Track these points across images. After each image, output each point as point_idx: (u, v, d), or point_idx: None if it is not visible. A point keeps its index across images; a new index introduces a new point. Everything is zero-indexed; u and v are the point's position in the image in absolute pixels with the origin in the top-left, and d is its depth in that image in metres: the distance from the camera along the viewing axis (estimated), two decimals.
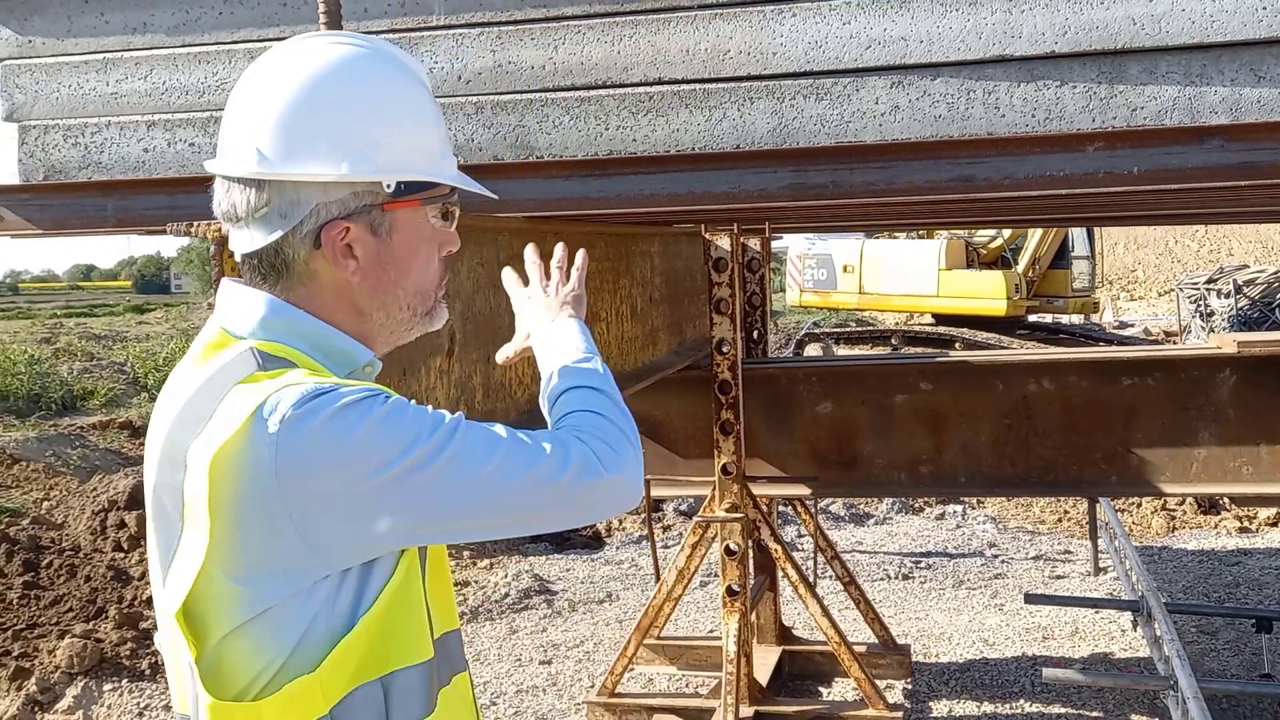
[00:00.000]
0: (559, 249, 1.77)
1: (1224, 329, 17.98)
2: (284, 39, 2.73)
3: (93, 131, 2.73)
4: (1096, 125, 2.54)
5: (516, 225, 2.84)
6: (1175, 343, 18.58)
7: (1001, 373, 4.65)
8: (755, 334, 5.47)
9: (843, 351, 16.54)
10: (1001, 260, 17.10)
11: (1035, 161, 2.58)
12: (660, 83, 2.66)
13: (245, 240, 1.33)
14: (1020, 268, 16.80)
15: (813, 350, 16.53)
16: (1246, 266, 20.17)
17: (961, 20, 2.54)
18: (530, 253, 1.78)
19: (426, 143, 1.37)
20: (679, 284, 4.83)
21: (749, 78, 2.64)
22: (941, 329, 16.57)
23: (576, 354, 1.59)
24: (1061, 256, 17.33)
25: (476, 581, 7.45)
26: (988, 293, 16.21)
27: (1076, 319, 19.30)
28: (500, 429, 1.31)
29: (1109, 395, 4.55)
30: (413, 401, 1.27)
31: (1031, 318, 17.91)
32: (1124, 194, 2.88)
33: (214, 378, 1.24)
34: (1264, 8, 2.42)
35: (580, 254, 1.79)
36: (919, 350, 15.96)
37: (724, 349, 4.62)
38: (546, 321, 1.68)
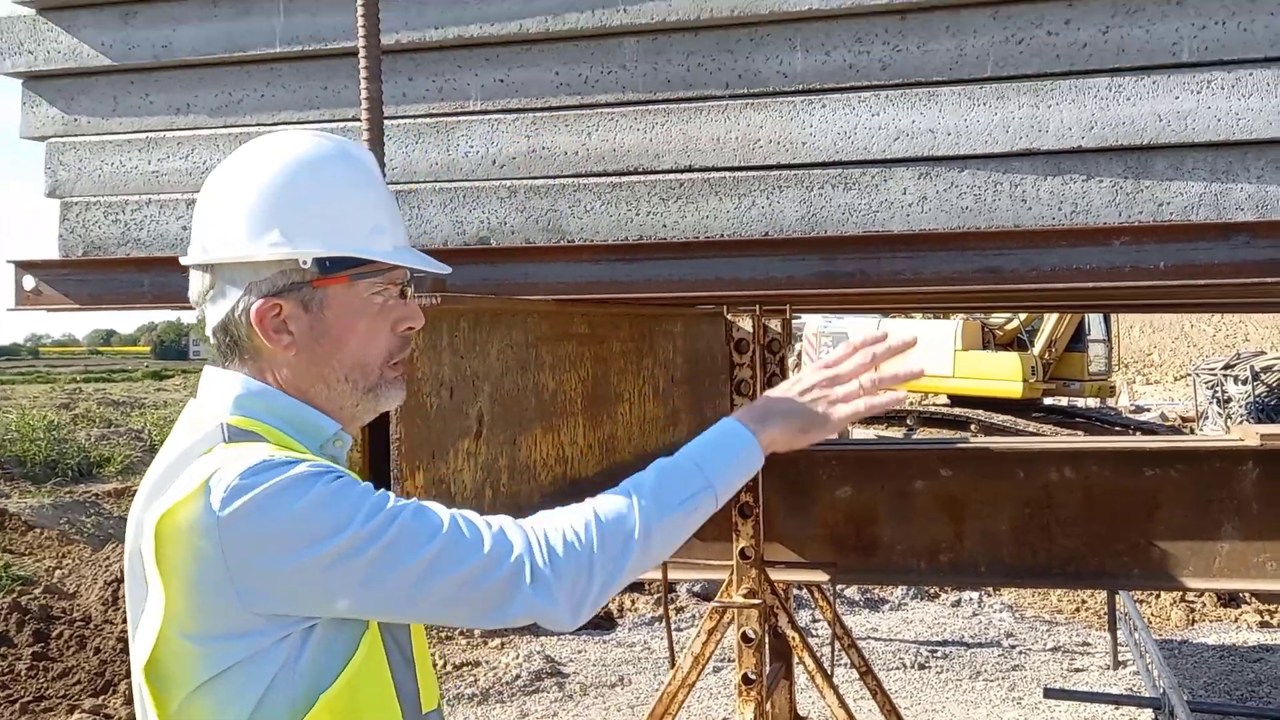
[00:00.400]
0: (905, 364, 1.56)
1: (1241, 416, 17.89)
2: (325, 120, 2.79)
3: (133, 209, 2.79)
4: (1123, 219, 2.57)
5: (545, 308, 2.87)
6: (1192, 429, 18.49)
7: (1022, 460, 4.63)
8: None
9: (857, 431, 16.47)
10: (1018, 342, 17.10)
11: (1061, 254, 2.60)
12: (691, 170, 2.70)
13: (207, 321, 1.43)
14: (1036, 350, 16.79)
15: None
16: (1264, 353, 20.13)
17: (989, 114, 2.58)
18: (870, 340, 1.57)
19: (354, 222, 1.42)
20: (700, 364, 4.85)
21: (778, 166, 2.68)
22: (957, 410, 16.52)
23: (684, 464, 1.47)
24: (1078, 339, 17.32)
25: (487, 662, 7.36)
26: (1004, 374, 16.18)
27: (1093, 402, 19.22)
28: (445, 516, 1.33)
29: (1131, 485, 4.52)
30: (363, 484, 1.31)
31: (1048, 400, 17.84)
32: (1148, 285, 2.90)
33: (185, 451, 1.32)
34: None
35: (886, 397, 1.54)
36: (934, 432, 15.90)
37: None
38: (740, 413, 1.54)
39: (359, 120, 2.30)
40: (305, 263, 1.37)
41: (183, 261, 1.45)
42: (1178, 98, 2.50)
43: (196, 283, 1.43)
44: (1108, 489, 4.52)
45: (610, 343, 3.59)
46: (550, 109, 2.72)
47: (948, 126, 2.59)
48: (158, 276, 2.68)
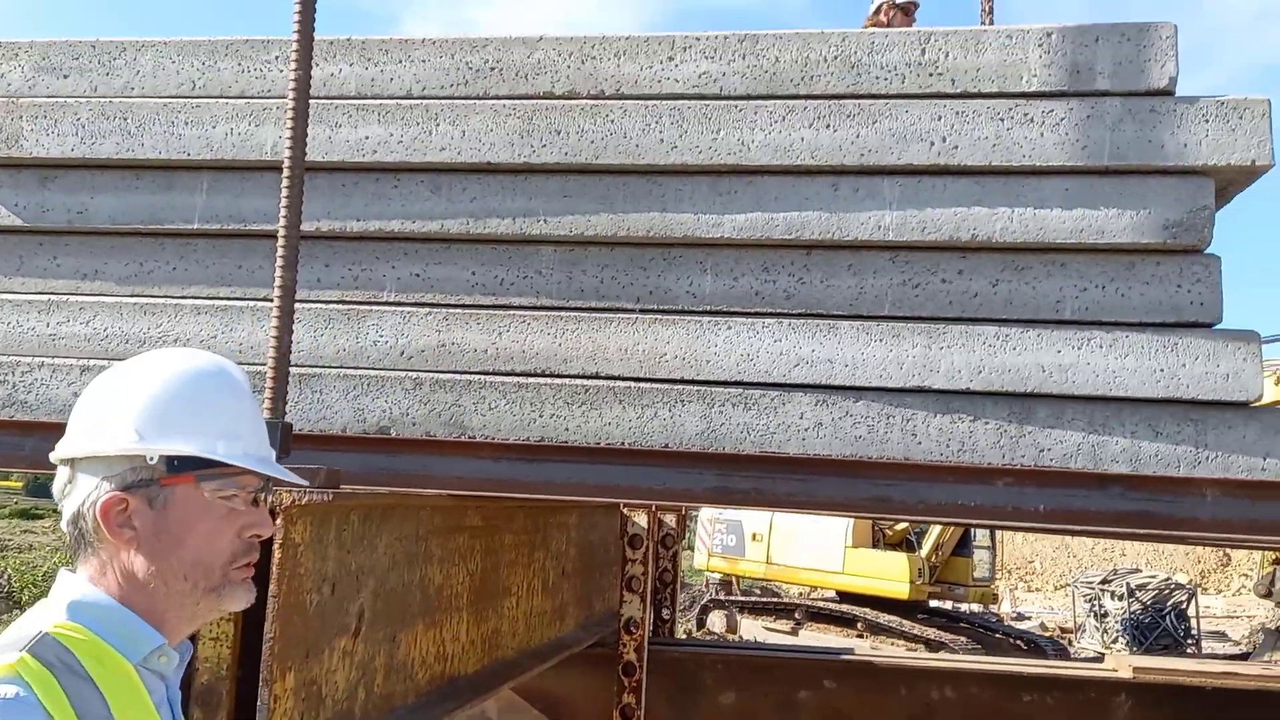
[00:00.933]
0: None
1: (1117, 631, 18.28)
2: (235, 298, 2.79)
3: (24, 370, 2.72)
4: (1006, 461, 2.66)
5: (438, 502, 2.84)
6: (1070, 640, 18.78)
7: (905, 677, 4.64)
8: (664, 612, 5.41)
9: (745, 623, 16.35)
10: (906, 543, 17.29)
11: (948, 489, 2.68)
12: (597, 377, 2.75)
13: (64, 515, 1.46)
14: (924, 552, 16.98)
15: (716, 618, 16.32)
16: (1139, 570, 20.75)
17: (885, 350, 2.70)
18: None
19: (208, 426, 1.47)
20: (593, 556, 4.81)
21: (682, 381, 2.74)
22: (845, 607, 16.52)
23: None
24: (964, 545, 17.58)
25: None
26: (892, 574, 16.28)
27: (976, 607, 19.42)
28: None
29: (1010, 710, 4.55)
30: None
31: (933, 603, 17.96)
32: (1028, 525, 2.99)
33: (3, 645, 1.34)
34: (1161, 369, 2.62)
35: None
36: (821, 628, 15.84)
37: (632, 629, 4.55)
38: None
39: (269, 301, 2.30)
40: (152, 459, 1.42)
41: (50, 458, 1.49)
42: (1059, 351, 2.65)
43: (60, 477, 1.48)
44: (987, 711, 4.53)
45: (503, 534, 3.55)
46: (464, 306, 2.76)
47: (845, 358, 2.69)
48: (40, 441, 2.59)
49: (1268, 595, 13.60)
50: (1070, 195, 2.64)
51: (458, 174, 2.73)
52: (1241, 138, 2.60)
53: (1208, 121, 2.61)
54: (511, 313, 2.76)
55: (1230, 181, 2.70)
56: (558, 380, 2.75)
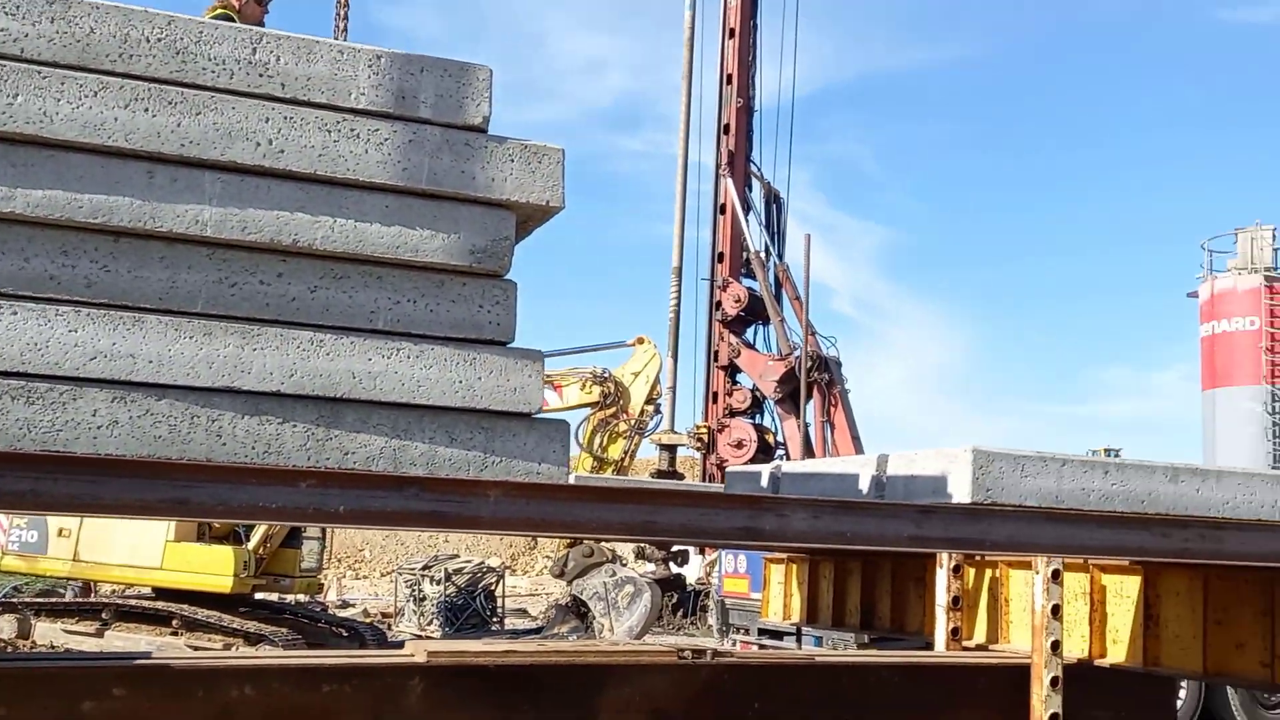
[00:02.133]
0: None
1: (434, 614, 19.53)
2: None
3: None
4: (312, 463, 2.72)
5: None
6: (390, 624, 19.66)
7: (203, 678, 4.49)
8: None
9: (42, 625, 14.77)
10: (234, 535, 16.84)
11: (251, 491, 2.67)
12: None
13: None
14: (252, 545, 16.67)
15: (5, 623, 14.54)
16: (457, 556, 22.39)
17: (195, 348, 2.61)
18: None
19: None
20: None
21: None
22: (160, 604, 15.63)
23: None
24: (294, 536, 17.58)
25: None
26: (214, 568, 15.73)
27: (302, 598, 19.51)
28: None
29: (310, 702, 4.61)
30: None
31: (258, 595, 17.71)
32: (328, 525, 3.09)
33: None
34: (461, 381, 2.85)
35: None
36: (133, 628, 14.86)
37: None
38: None
39: None
40: None
41: None
42: (370, 359, 2.77)
43: None
44: (287, 706, 4.55)
45: None
46: None
47: (150, 354, 2.56)
48: None
49: (561, 575, 15.41)
50: (390, 212, 2.78)
51: None
52: (540, 179, 2.92)
53: (513, 161, 2.90)
54: None
55: (529, 217, 3.03)
56: None
